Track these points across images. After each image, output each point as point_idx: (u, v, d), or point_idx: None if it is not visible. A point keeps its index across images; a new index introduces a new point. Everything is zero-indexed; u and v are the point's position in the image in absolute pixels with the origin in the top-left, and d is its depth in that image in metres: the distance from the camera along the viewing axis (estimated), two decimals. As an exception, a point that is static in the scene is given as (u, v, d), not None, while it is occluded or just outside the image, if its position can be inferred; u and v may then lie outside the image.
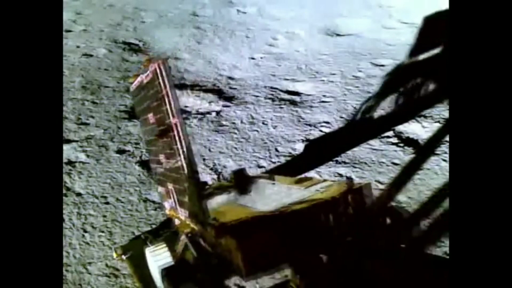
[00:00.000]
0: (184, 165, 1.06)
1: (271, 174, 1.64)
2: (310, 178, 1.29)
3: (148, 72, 1.14)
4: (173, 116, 1.04)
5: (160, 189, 1.42)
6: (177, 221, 1.37)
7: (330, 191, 1.10)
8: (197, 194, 1.06)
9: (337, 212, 1.04)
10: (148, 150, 1.51)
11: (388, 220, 1.19)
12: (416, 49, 3.30)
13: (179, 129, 1.03)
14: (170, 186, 1.28)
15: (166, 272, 1.18)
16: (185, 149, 1.04)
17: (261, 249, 0.98)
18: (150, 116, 1.24)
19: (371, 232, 1.12)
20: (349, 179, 1.16)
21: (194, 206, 1.09)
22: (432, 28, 3.61)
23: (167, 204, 1.39)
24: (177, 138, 1.05)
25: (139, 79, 1.26)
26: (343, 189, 1.09)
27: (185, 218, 1.22)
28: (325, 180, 1.23)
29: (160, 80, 1.05)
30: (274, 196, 1.22)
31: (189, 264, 1.19)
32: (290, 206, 1.07)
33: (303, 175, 2.10)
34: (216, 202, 1.32)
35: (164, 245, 1.30)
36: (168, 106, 1.05)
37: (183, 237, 1.25)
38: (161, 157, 1.28)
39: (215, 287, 1.11)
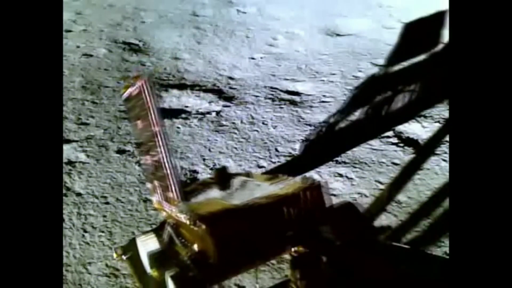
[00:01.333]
0: (166, 164, 1.29)
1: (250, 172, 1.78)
2: (278, 176, 1.47)
3: (136, 86, 1.39)
4: (155, 125, 1.30)
5: (148, 185, 1.61)
6: (163, 213, 1.52)
7: (291, 188, 1.28)
8: (176, 189, 1.28)
9: (293, 206, 1.22)
10: (139, 151, 1.74)
11: (342, 214, 1.40)
12: (415, 49, 3.31)
13: (161, 135, 1.29)
14: (156, 182, 1.47)
15: (153, 257, 1.33)
16: (166, 152, 1.29)
17: (228, 236, 1.16)
18: (139, 123, 1.47)
19: (325, 224, 1.30)
20: (306, 177, 1.33)
21: (175, 199, 1.31)
22: (432, 28, 3.61)
23: (154, 198, 1.55)
24: (159, 142, 1.30)
25: (129, 90, 1.48)
26: (300, 186, 1.27)
27: (169, 210, 1.39)
28: (289, 178, 1.39)
29: (144, 95, 1.32)
30: (246, 191, 1.39)
31: (174, 250, 1.33)
32: (256, 200, 1.24)
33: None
34: (197, 196, 1.48)
35: (153, 234, 1.46)
36: (151, 117, 1.31)
37: (167, 227, 1.41)
38: (148, 158, 1.48)
39: (197, 270, 1.22)
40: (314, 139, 2.43)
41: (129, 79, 1.43)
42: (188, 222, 1.22)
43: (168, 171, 1.30)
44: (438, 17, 3.71)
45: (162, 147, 1.29)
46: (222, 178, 1.57)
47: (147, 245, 1.42)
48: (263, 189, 1.35)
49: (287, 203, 1.22)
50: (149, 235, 1.46)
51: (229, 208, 1.24)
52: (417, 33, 3.64)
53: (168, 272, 1.22)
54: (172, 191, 1.31)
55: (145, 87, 1.31)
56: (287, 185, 1.31)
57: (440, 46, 3.30)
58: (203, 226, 1.15)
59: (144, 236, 1.47)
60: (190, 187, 1.63)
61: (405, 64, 3.12)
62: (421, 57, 3.20)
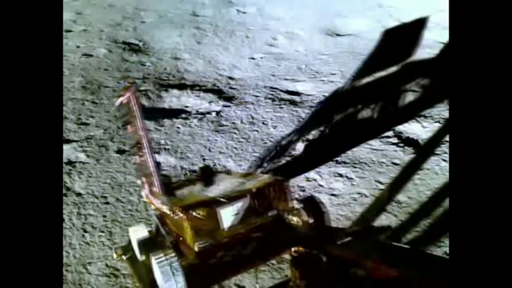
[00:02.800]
0: (150, 163, 1.52)
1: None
2: (253, 173, 1.66)
3: (126, 96, 1.59)
4: (141, 130, 1.53)
5: (139, 181, 1.77)
6: (152, 206, 1.67)
7: (258, 183, 1.46)
8: (159, 184, 1.50)
9: (258, 198, 1.41)
10: (131, 152, 1.93)
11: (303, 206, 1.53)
12: (415, 49, 3.31)
13: (145, 139, 1.53)
14: (144, 179, 1.65)
15: (141, 243, 1.52)
16: (150, 153, 1.52)
17: (203, 222, 1.34)
18: (129, 127, 1.66)
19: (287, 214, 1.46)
20: (275, 174, 1.52)
21: (158, 193, 1.52)
22: (431, 28, 3.61)
23: (143, 193, 1.70)
24: (144, 145, 1.53)
25: (120, 99, 1.67)
26: (265, 182, 1.45)
27: (155, 203, 1.57)
28: (261, 175, 1.59)
29: (132, 105, 1.55)
30: (225, 187, 1.56)
31: (160, 238, 1.51)
32: (229, 194, 1.43)
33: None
34: (183, 192, 1.64)
35: (143, 225, 1.64)
36: (137, 123, 1.54)
37: (155, 218, 1.59)
38: (137, 158, 1.67)
39: (180, 255, 1.35)
40: (314, 139, 2.43)
41: (123, 86, 1.62)
42: (169, 212, 1.41)
43: (152, 169, 1.52)
44: (439, 16, 3.71)
45: (146, 149, 1.54)
46: (206, 175, 1.75)
47: (137, 234, 1.58)
48: (239, 185, 1.53)
49: (252, 196, 1.40)
50: (140, 226, 1.63)
51: (203, 200, 1.43)
52: (417, 32, 3.64)
53: (152, 255, 1.33)
54: (155, 186, 1.52)
55: (132, 97, 1.55)
56: (257, 181, 1.50)
57: (438, 47, 3.30)
58: (181, 214, 1.33)
59: (135, 227, 1.64)
60: (177, 183, 1.80)
61: (404, 64, 3.12)
62: (421, 56, 3.20)
